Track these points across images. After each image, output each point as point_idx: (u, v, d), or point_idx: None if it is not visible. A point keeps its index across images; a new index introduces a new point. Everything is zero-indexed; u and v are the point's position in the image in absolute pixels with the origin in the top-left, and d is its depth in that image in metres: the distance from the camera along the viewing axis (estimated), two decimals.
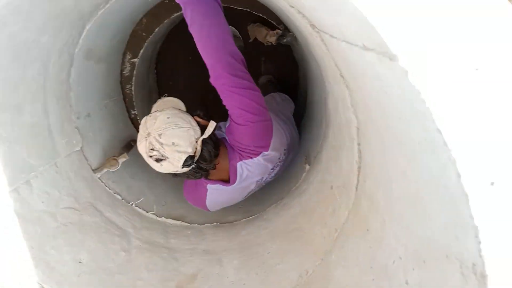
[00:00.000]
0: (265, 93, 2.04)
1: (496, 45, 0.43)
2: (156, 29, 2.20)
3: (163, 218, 1.71)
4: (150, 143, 1.26)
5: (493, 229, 0.46)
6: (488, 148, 0.44)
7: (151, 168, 1.33)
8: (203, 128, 1.36)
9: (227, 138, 1.50)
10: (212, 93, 1.35)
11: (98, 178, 1.61)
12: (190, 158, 1.30)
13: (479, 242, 0.47)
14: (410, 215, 0.72)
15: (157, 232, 1.57)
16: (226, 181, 1.52)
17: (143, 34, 2.21)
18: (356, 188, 1.12)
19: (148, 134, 1.27)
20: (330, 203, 1.31)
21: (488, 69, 0.43)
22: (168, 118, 1.29)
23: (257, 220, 1.71)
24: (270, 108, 1.49)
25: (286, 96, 2.20)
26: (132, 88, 2.28)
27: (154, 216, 1.70)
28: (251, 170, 1.49)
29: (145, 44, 2.22)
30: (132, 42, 2.20)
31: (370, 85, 0.69)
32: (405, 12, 0.43)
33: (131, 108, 2.30)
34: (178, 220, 1.71)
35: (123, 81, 2.25)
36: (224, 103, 1.37)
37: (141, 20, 2.18)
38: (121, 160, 1.73)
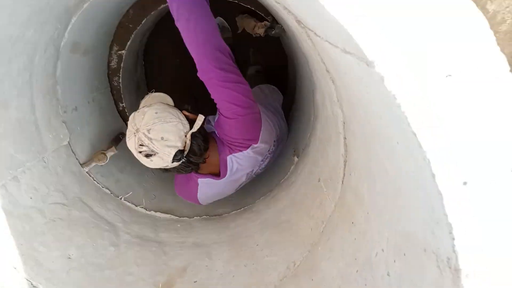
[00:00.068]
0: (253, 84, 2.04)
1: (465, 47, 0.45)
2: (143, 21, 2.18)
3: (152, 212, 1.71)
4: (139, 138, 1.26)
5: (466, 226, 0.48)
6: (461, 149, 0.46)
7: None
8: (191, 122, 1.36)
9: (216, 132, 1.51)
10: (201, 84, 1.36)
11: (87, 172, 1.61)
12: (180, 152, 1.30)
13: (453, 238, 0.49)
14: (392, 209, 0.74)
15: (146, 226, 1.57)
16: (217, 174, 1.53)
17: (130, 25, 2.18)
18: (342, 181, 1.14)
19: (137, 130, 1.27)
20: (317, 195, 1.33)
21: (460, 73, 0.44)
22: (156, 113, 1.29)
23: (246, 213, 1.73)
24: (258, 100, 1.50)
25: (275, 87, 2.21)
26: (120, 81, 2.25)
27: (143, 210, 1.70)
28: (241, 163, 1.51)
29: (132, 35, 2.20)
30: (119, 34, 2.17)
31: (352, 84, 0.70)
32: (381, 18, 0.44)
33: (119, 100, 2.29)
34: (168, 214, 1.72)
35: (111, 73, 2.23)
36: (212, 96, 1.37)
37: (128, 11, 2.15)
38: (110, 154, 1.72)
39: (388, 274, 0.75)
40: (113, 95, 2.26)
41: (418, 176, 0.52)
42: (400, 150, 0.56)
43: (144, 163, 1.32)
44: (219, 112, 1.41)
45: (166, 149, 1.27)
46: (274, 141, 1.62)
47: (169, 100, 1.41)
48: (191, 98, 2.86)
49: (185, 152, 1.32)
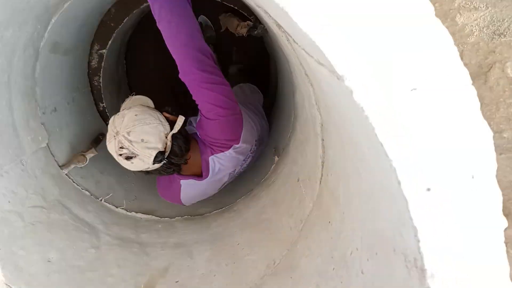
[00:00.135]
0: (235, 82, 2.06)
1: (429, 59, 0.48)
2: (125, 19, 2.15)
3: (133, 212, 1.71)
4: (119, 141, 1.26)
5: (430, 229, 0.51)
6: (425, 157, 0.49)
7: None
8: (172, 124, 1.36)
9: (198, 133, 1.52)
10: (183, 84, 1.36)
11: (66, 174, 1.59)
12: (161, 154, 1.31)
13: (418, 241, 0.52)
14: (365, 210, 0.77)
15: (127, 227, 1.57)
16: (199, 175, 1.54)
17: (112, 24, 2.15)
18: (320, 181, 1.17)
19: (117, 133, 1.26)
20: (296, 194, 1.36)
21: (424, 85, 0.47)
22: (136, 115, 1.29)
23: (228, 212, 1.75)
24: (239, 100, 1.52)
25: (255, 87, 2.23)
26: (100, 80, 2.22)
27: (124, 211, 1.69)
28: (223, 164, 1.52)
29: (114, 34, 2.17)
30: (100, 33, 2.14)
31: (328, 90, 0.73)
32: (346, 28, 0.47)
33: (99, 100, 2.26)
34: (149, 214, 1.72)
35: (91, 73, 2.20)
36: (194, 98, 1.38)
37: (109, 10, 2.12)
38: (89, 155, 1.71)
39: (362, 272, 0.78)
40: (93, 95, 2.23)
41: (386, 182, 0.55)
42: (370, 156, 0.59)
43: (125, 166, 1.32)
44: (201, 113, 1.42)
45: (147, 151, 1.27)
46: (256, 140, 1.65)
47: (150, 103, 1.41)
48: (173, 97, 2.85)
49: (166, 154, 1.33)
